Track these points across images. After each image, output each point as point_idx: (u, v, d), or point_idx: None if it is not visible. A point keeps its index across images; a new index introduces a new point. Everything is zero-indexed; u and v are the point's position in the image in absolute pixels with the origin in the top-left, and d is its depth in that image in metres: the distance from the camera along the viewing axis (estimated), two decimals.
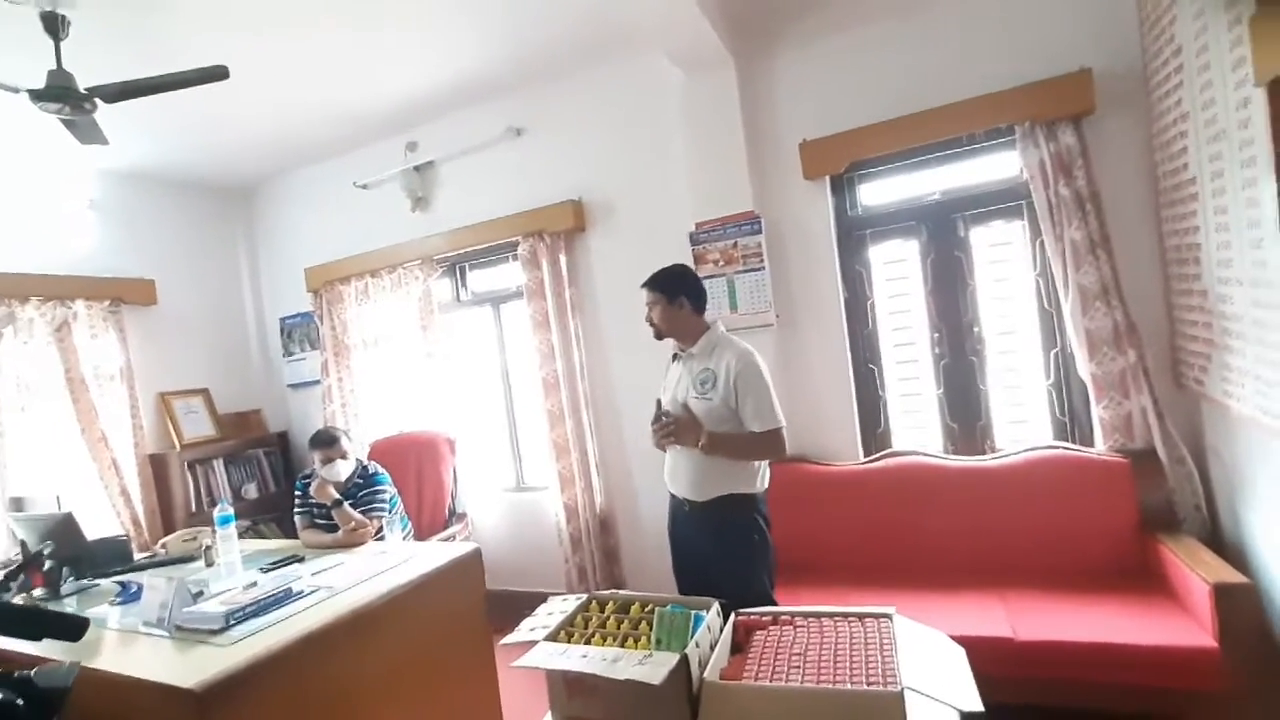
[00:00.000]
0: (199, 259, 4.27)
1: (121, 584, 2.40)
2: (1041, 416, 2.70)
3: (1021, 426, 2.74)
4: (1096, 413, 2.44)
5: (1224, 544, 2.20)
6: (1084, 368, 2.43)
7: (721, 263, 2.90)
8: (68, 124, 2.29)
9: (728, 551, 2.04)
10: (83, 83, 2.13)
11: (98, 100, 2.17)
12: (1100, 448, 2.45)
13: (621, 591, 1.75)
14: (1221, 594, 1.80)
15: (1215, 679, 1.77)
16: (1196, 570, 1.91)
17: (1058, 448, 2.52)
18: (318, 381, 4.15)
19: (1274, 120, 1.52)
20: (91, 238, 3.76)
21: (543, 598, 1.83)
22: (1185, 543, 2.14)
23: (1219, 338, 1.98)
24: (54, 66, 2.12)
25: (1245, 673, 1.77)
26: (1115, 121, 2.38)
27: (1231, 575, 1.87)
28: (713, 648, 1.47)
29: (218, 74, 2.19)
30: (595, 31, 2.97)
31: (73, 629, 1.50)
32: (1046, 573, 2.29)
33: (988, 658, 1.54)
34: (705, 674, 1.37)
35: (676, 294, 2.12)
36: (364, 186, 3.96)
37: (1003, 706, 1.38)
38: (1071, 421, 2.64)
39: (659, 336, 2.18)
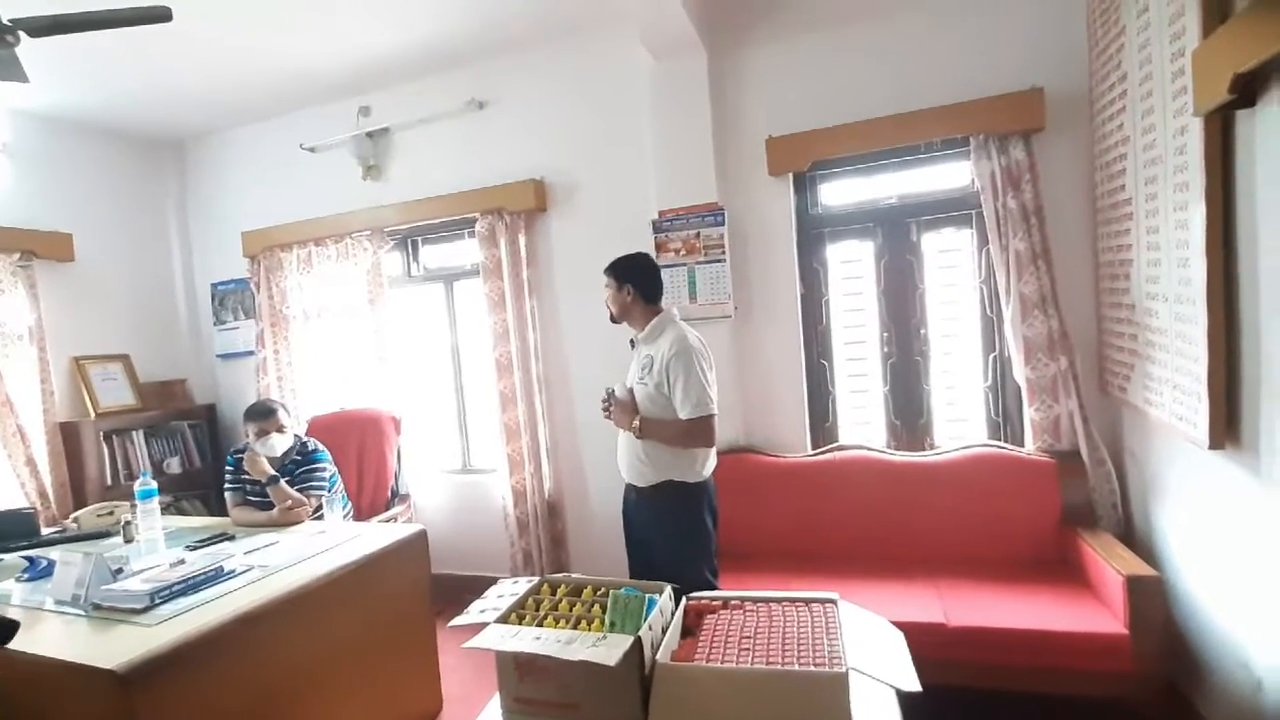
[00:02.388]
0: (123, 215, 3.97)
1: (29, 559, 2.23)
2: (978, 416, 2.84)
3: (959, 425, 2.87)
4: (1028, 415, 2.58)
5: (1136, 539, 2.38)
6: (1019, 372, 2.57)
7: (683, 252, 2.91)
8: None
9: (666, 537, 2.09)
10: (6, 13, 1.94)
11: (21, 33, 1.98)
12: (1030, 448, 2.60)
13: (574, 575, 1.75)
14: (1133, 585, 1.94)
15: (1126, 661, 1.91)
16: (1111, 563, 2.06)
17: (992, 446, 2.65)
18: (252, 353, 3.94)
19: (1208, 149, 1.63)
20: (2, 184, 3.44)
21: (486, 581, 1.81)
22: (1102, 538, 2.30)
23: (1143, 349, 2.12)
24: None
25: (1151, 656, 1.92)
26: (1062, 139, 2.51)
27: (1142, 568, 2.02)
28: (665, 631, 1.48)
29: (159, 14, 2.02)
30: (567, 7, 2.91)
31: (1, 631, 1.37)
32: (977, 563, 2.42)
33: (922, 642, 1.62)
34: (658, 656, 1.39)
35: (624, 281, 2.17)
36: (311, 150, 3.77)
37: (936, 687, 1.45)
38: (1005, 422, 2.79)
39: (613, 320, 2.26)
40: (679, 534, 2.08)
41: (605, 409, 2.15)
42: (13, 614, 1.86)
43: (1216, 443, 1.71)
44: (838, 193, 2.98)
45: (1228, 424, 1.70)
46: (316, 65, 3.29)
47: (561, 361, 3.36)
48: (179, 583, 1.86)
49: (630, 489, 2.20)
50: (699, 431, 2.02)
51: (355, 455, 3.32)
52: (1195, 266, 1.73)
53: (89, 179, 3.80)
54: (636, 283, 2.16)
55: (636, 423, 2.06)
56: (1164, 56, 1.83)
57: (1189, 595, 2.04)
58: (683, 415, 2.01)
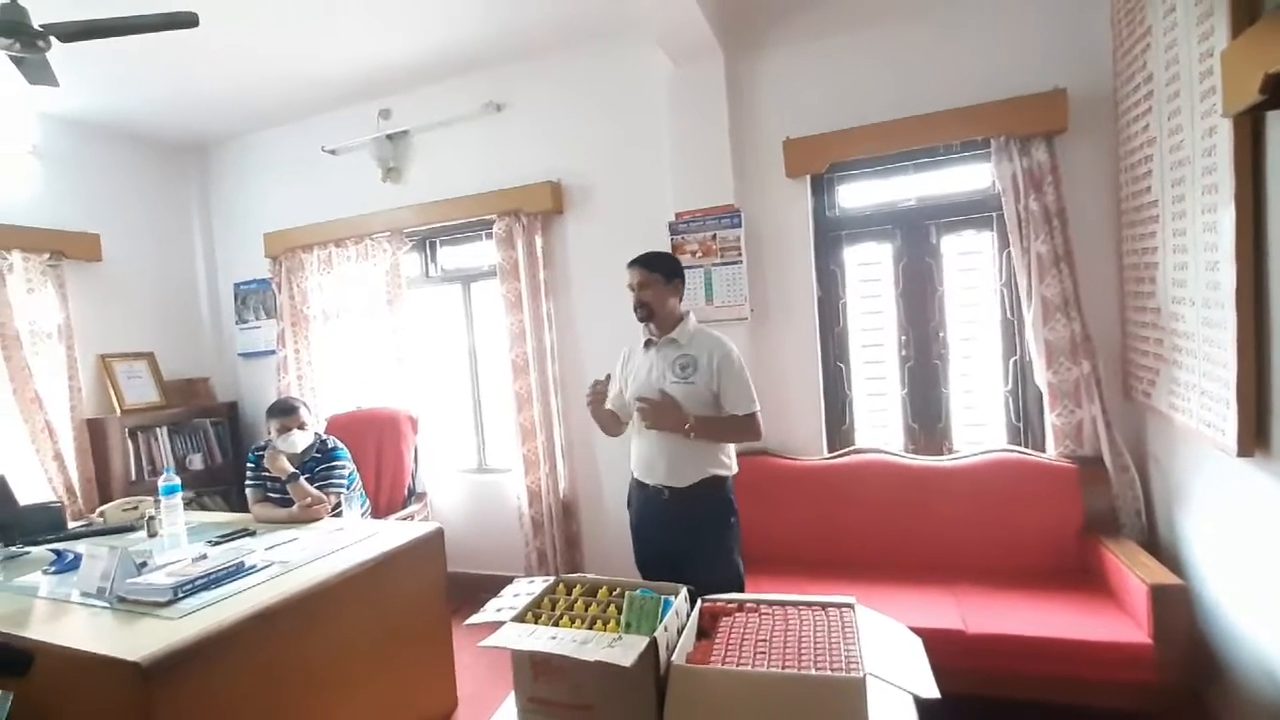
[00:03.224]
0: (149, 216, 4.05)
1: (56, 552, 2.27)
2: (998, 421, 2.80)
3: (979, 430, 2.84)
4: (1050, 420, 2.54)
5: (1160, 548, 2.33)
6: (1041, 376, 2.53)
7: (699, 254, 2.91)
8: (16, 61, 2.13)
9: (706, 534, 2.07)
10: (37, 18, 1.99)
11: (52, 38, 2.03)
12: (1051, 453, 2.56)
13: (589, 575, 1.75)
14: (1158, 594, 1.91)
15: (1149, 671, 1.88)
16: (1135, 571, 2.02)
17: (1011, 451, 2.62)
18: (272, 352, 4.00)
19: (1238, 151, 1.60)
20: (32, 186, 3.52)
21: (501, 580, 1.82)
22: (1125, 545, 2.26)
23: (1169, 353, 2.08)
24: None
25: (1176, 666, 1.88)
26: (1085, 141, 2.47)
27: (1167, 577, 1.98)
28: (680, 632, 1.48)
29: (187, 20, 2.06)
30: (585, 12, 2.92)
31: (15, 663, 1.36)
32: (996, 570, 2.38)
33: (940, 649, 1.60)
34: (673, 658, 1.38)
35: (673, 276, 2.13)
36: (332, 152, 3.82)
37: (954, 695, 1.43)
38: (1025, 427, 2.75)
39: (648, 318, 2.11)
40: (720, 529, 2.08)
41: (643, 412, 2.04)
42: (40, 606, 1.91)
43: (1245, 450, 1.68)
44: (856, 195, 2.97)
45: (1257, 431, 1.66)
46: (337, 70, 3.34)
47: (577, 362, 3.37)
48: (201, 577, 1.89)
49: (659, 493, 2.09)
50: (753, 425, 2.06)
51: (373, 454, 3.35)
52: (1224, 270, 1.70)
53: (116, 181, 3.88)
54: (682, 279, 2.16)
55: (691, 421, 2.00)
56: (1192, 57, 1.80)
57: (1214, 605, 2.00)
58: (739, 411, 2.04)
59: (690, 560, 2.02)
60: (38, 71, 2.22)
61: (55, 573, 2.14)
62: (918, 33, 2.70)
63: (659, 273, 2.10)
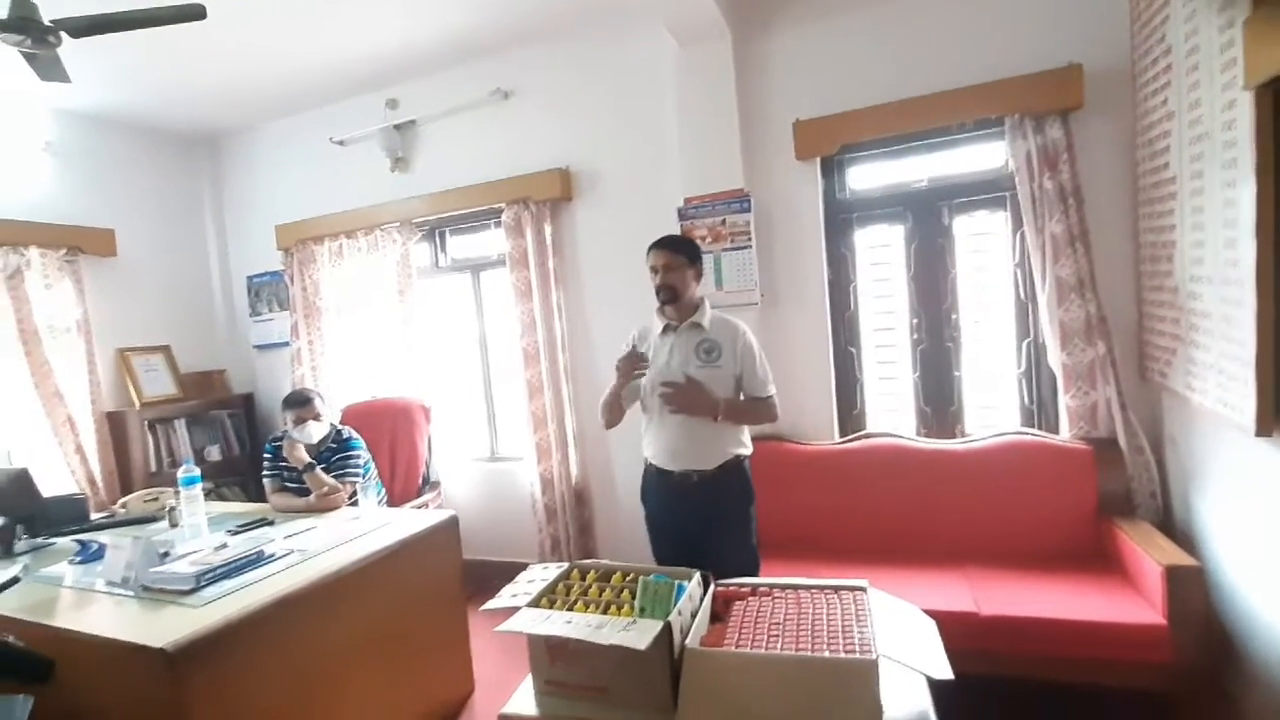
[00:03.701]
0: (162, 210, 4.08)
1: (80, 543, 2.32)
2: (1011, 403, 2.78)
3: (992, 412, 2.82)
4: (1064, 401, 2.52)
5: (1175, 529, 2.32)
6: (1055, 358, 2.50)
7: (709, 239, 2.89)
8: (28, 58, 2.14)
9: (731, 516, 2.10)
10: (47, 14, 2.00)
11: (62, 34, 2.04)
12: (1065, 435, 2.54)
13: (603, 561, 1.77)
14: (1172, 575, 1.90)
15: (1163, 653, 1.87)
16: (1150, 553, 2.01)
17: (1025, 434, 2.60)
18: (286, 343, 4.04)
19: (1259, 124, 1.57)
20: (47, 182, 3.56)
21: (515, 567, 1.84)
22: (1140, 527, 2.24)
23: (1186, 333, 2.05)
24: None
25: (1191, 648, 1.87)
26: (1102, 118, 2.42)
27: (1182, 558, 1.97)
28: (694, 616, 1.49)
29: (194, 13, 2.07)
30: None
31: (36, 670, 1.36)
32: (1009, 552, 2.38)
33: (952, 631, 1.60)
34: (687, 641, 1.40)
35: (696, 260, 2.15)
36: (341, 143, 3.82)
37: (967, 676, 1.44)
38: (1039, 409, 2.73)
39: (671, 299, 2.09)
40: (744, 508, 2.12)
41: (667, 398, 2.03)
42: (66, 595, 1.96)
43: (1264, 429, 1.65)
44: (866, 176, 2.93)
45: (1276, 410, 1.64)
46: (343, 59, 3.33)
47: (588, 350, 3.38)
48: (222, 566, 1.93)
49: (684, 476, 2.07)
50: (774, 407, 2.13)
51: (388, 443, 3.39)
52: (1243, 247, 1.67)
53: (128, 176, 3.92)
54: (702, 264, 2.19)
55: (722, 406, 2.02)
56: (1212, 27, 1.75)
57: (1230, 586, 1.98)
58: (761, 394, 2.10)
59: (711, 544, 2.05)
60: (49, 68, 2.23)
61: (80, 563, 2.19)
62: (929, 9, 2.65)
63: (683, 255, 2.11)
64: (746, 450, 2.15)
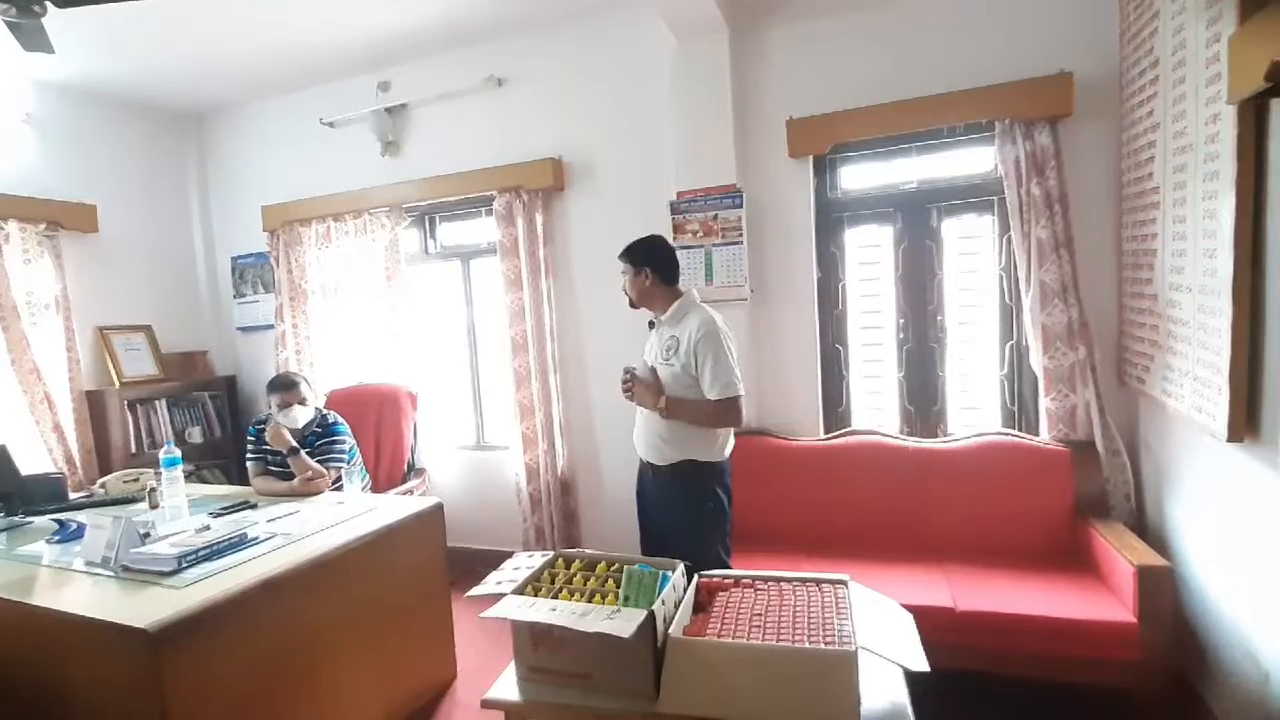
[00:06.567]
0: (145, 187, 4.01)
1: (59, 522, 2.29)
2: (993, 405, 2.83)
3: (974, 413, 2.86)
4: (1044, 404, 2.57)
5: (1148, 531, 2.38)
6: (1037, 361, 2.55)
7: (700, 234, 2.90)
8: (12, 27, 2.10)
9: (684, 516, 2.11)
10: None
11: (48, 3, 1.99)
12: (1044, 437, 2.59)
13: (588, 550, 1.78)
14: (1144, 575, 1.95)
15: (1134, 650, 1.93)
16: (1123, 553, 2.06)
17: (1006, 435, 2.65)
18: (271, 326, 3.99)
19: (1241, 138, 1.60)
20: (27, 154, 3.48)
21: (499, 555, 1.85)
22: (1114, 528, 2.29)
23: (1164, 339, 2.10)
24: None
25: (1160, 645, 1.93)
26: (1090, 126, 2.46)
27: (1154, 559, 2.02)
28: (677, 606, 1.51)
29: None
30: None
31: None
32: (987, 550, 2.43)
33: (929, 625, 1.64)
34: (670, 630, 1.42)
35: (641, 265, 2.16)
36: (331, 124, 3.77)
37: (943, 670, 1.47)
38: (1020, 411, 2.78)
39: (632, 305, 2.25)
40: (696, 512, 2.10)
41: (626, 388, 2.13)
42: (44, 574, 1.93)
43: (1235, 435, 1.70)
44: (857, 176, 2.96)
45: (1248, 417, 1.69)
46: (336, 39, 3.28)
47: (577, 340, 3.38)
48: (205, 548, 1.91)
49: (647, 467, 2.21)
50: (728, 412, 2.04)
51: (373, 429, 3.37)
52: (1222, 257, 1.71)
53: (111, 151, 3.84)
54: (655, 265, 2.15)
55: (663, 402, 2.05)
56: (1199, 42, 1.79)
57: (1200, 587, 2.04)
58: (712, 396, 2.02)
59: (672, 537, 2.11)
60: (33, 38, 2.18)
61: (59, 542, 2.17)
62: (924, 13, 2.67)
63: (628, 262, 2.19)
64: (706, 456, 2.08)
